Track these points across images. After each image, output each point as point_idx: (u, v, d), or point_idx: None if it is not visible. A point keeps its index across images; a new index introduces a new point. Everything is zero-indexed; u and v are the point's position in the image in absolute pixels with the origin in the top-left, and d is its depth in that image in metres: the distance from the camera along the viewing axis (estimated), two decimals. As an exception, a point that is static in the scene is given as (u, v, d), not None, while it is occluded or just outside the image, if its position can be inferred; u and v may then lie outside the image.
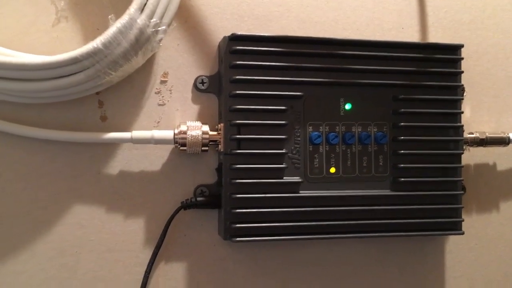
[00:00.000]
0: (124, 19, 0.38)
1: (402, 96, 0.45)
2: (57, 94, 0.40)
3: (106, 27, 0.38)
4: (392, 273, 0.49)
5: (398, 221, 0.45)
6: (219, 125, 0.44)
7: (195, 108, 0.45)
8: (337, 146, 0.45)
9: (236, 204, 0.42)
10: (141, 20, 0.39)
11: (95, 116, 0.43)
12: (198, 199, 0.44)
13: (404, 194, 0.45)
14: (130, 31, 0.38)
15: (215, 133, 0.43)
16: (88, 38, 0.42)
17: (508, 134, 0.49)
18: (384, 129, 0.45)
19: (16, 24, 0.42)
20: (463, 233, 0.46)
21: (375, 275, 0.48)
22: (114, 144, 0.44)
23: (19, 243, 0.42)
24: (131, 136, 0.42)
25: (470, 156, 0.50)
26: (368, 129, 0.45)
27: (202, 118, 0.45)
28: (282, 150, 0.43)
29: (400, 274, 0.49)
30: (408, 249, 0.49)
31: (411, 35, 0.50)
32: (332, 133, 0.44)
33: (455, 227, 0.46)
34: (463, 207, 0.47)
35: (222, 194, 0.43)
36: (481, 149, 0.50)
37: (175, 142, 0.42)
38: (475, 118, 0.51)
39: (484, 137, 0.48)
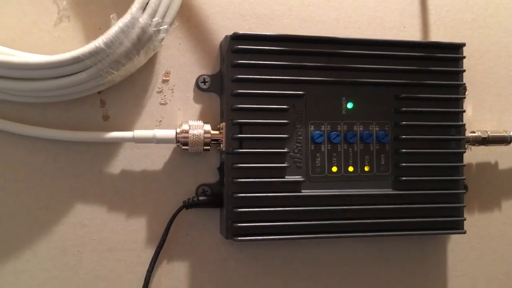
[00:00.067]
0: (126, 18, 0.38)
1: (404, 95, 0.45)
2: (59, 94, 0.40)
3: (108, 26, 0.38)
4: (394, 272, 0.49)
5: (400, 220, 0.45)
6: (221, 124, 0.44)
7: (197, 107, 0.45)
8: (338, 145, 0.45)
9: (238, 203, 0.42)
10: (143, 19, 0.39)
11: (97, 116, 0.43)
12: (200, 198, 0.44)
13: (406, 193, 0.45)
14: (132, 30, 0.38)
15: (217, 132, 0.43)
16: (90, 37, 0.42)
17: (510, 132, 0.49)
18: (386, 128, 0.45)
19: (18, 24, 0.42)
20: (465, 232, 0.46)
21: (377, 274, 0.48)
22: (116, 143, 0.44)
23: (21, 243, 0.42)
24: (133, 136, 0.42)
25: (472, 155, 0.50)
26: (370, 128, 0.45)
27: (204, 117, 0.45)
28: (283, 149, 0.43)
29: (402, 273, 0.49)
30: (410, 248, 0.49)
31: (413, 34, 0.50)
32: (334, 132, 0.44)
33: (457, 226, 0.46)
34: (465, 206, 0.46)
35: (224, 193, 0.43)
36: (483, 148, 0.50)
37: (177, 141, 0.42)
38: (477, 117, 0.51)
39: (486, 135, 0.48)
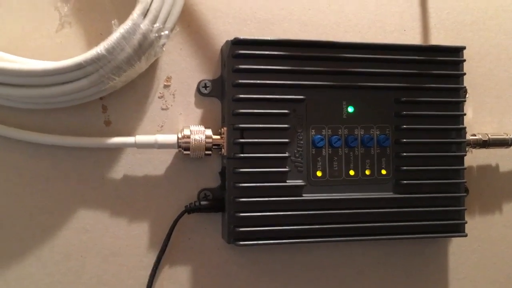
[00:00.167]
0: (127, 24, 0.38)
1: (404, 98, 0.45)
2: (61, 100, 0.40)
3: (109, 32, 0.38)
4: (395, 275, 0.49)
5: (401, 224, 0.45)
6: (222, 129, 0.44)
7: (198, 112, 0.45)
8: (339, 149, 0.45)
9: (240, 208, 0.42)
10: (144, 25, 0.39)
11: (99, 121, 0.44)
12: (202, 203, 0.44)
13: (407, 197, 0.45)
14: (133, 36, 0.38)
15: (218, 137, 0.43)
16: (92, 43, 0.42)
17: (510, 135, 0.49)
18: (387, 132, 0.46)
19: (20, 30, 0.43)
20: (466, 235, 0.46)
21: (378, 278, 0.48)
22: (118, 149, 0.44)
23: (24, 248, 0.42)
24: (135, 141, 0.42)
25: (473, 158, 0.50)
26: (371, 132, 0.45)
27: (205, 122, 0.45)
28: (285, 153, 0.43)
29: (403, 277, 0.49)
30: (411, 252, 0.49)
31: (413, 37, 0.50)
32: (335, 136, 0.44)
33: (458, 229, 0.47)
34: (466, 209, 0.47)
35: (226, 198, 0.43)
36: (483, 151, 0.50)
37: (179, 146, 0.42)
38: (477, 120, 0.51)
39: (486, 138, 0.48)
